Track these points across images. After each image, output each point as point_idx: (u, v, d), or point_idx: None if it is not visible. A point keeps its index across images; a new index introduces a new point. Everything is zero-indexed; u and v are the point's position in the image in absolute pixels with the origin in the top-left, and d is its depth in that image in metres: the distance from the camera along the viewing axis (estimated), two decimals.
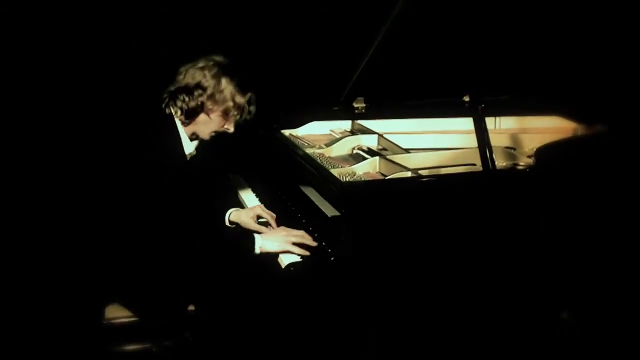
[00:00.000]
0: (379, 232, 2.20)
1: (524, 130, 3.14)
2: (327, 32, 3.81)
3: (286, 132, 3.10)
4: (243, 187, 3.03)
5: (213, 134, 2.45)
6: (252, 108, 2.46)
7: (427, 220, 2.26)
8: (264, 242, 2.35)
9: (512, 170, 2.67)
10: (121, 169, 2.35)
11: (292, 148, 2.82)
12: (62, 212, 3.52)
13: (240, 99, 2.39)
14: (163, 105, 2.40)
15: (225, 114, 2.40)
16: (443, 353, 2.40)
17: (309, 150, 2.83)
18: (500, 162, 2.72)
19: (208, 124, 2.41)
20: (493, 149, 2.33)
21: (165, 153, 2.36)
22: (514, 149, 2.94)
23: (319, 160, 2.70)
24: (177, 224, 2.32)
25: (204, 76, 2.35)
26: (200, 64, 2.38)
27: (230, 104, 2.38)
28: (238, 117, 2.44)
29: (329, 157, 2.85)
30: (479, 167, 2.39)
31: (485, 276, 2.33)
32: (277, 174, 2.87)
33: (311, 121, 3.19)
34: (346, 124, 3.25)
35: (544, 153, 2.58)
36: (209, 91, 2.35)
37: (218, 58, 2.41)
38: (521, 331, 2.50)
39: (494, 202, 2.32)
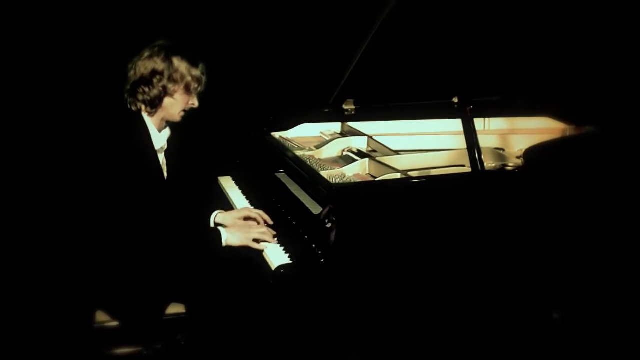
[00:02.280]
0: (368, 233, 2.20)
1: (513, 131, 3.16)
2: (317, 35, 3.81)
3: (276, 134, 3.11)
4: (232, 189, 3.03)
5: (182, 113, 2.51)
6: (205, 77, 2.51)
7: (417, 222, 2.27)
8: (229, 236, 2.41)
9: (501, 171, 2.68)
10: (99, 173, 2.36)
11: (282, 150, 2.82)
12: (46, 215, 3.52)
13: (196, 72, 2.46)
14: (128, 105, 2.45)
15: (187, 89, 2.46)
16: (435, 355, 2.41)
17: (299, 153, 2.83)
18: (490, 163, 2.74)
19: (175, 106, 2.47)
20: (482, 150, 2.35)
21: (137, 152, 2.41)
22: (503, 149, 2.96)
23: (308, 162, 2.70)
24: (153, 221, 2.36)
25: (155, 63, 2.41)
26: (146, 54, 2.43)
27: (189, 78, 2.44)
28: (199, 89, 2.50)
29: (319, 159, 2.85)
30: (468, 168, 2.40)
31: (475, 276, 2.34)
32: (267, 176, 2.87)
33: (301, 123, 3.19)
34: (336, 126, 3.26)
35: (533, 154, 2.60)
36: (166, 74, 2.41)
37: (160, 42, 2.46)
38: (512, 330, 2.52)
39: (483, 203, 2.33)
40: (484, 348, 2.48)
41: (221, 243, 2.40)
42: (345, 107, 3.18)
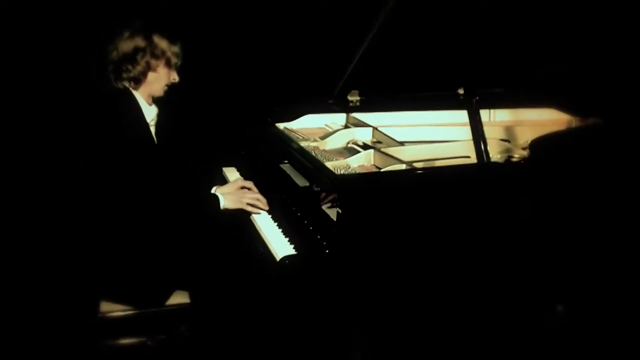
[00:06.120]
0: (373, 224, 2.20)
1: (519, 123, 3.14)
2: (322, 26, 3.80)
3: (281, 125, 3.10)
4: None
5: (165, 87, 2.65)
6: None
7: (421, 213, 2.26)
8: (226, 201, 2.57)
9: (506, 162, 2.67)
10: (99, 153, 2.44)
11: (286, 141, 2.82)
12: (47, 206, 3.52)
13: (175, 48, 2.61)
14: (115, 84, 2.55)
15: (168, 64, 2.60)
16: (440, 352, 2.41)
17: (303, 144, 2.83)
18: (495, 155, 2.73)
19: (158, 80, 2.60)
20: (487, 141, 2.33)
21: (133, 126, 2.52)
22: (509, 141, 2.95)
23: (313, 153, 2.70)
24: (152, 193, 2.45)
25: (137, 41, 2.53)
26: (127, 34, 2.54)
27: (169, 53, 2.59)
28: (178, 63, 2.63)
29: (324, 150, 2.84)
30: (473, 159, 2.39)
31: (480, 269, 2.34)
32: (271, 167, 2.87)
33: (306, 114, 3.19)
34: (341, 117, 3.24)
35: (539, 145, 2.59)
36: (148, 50, 2.53)
37: (138, 22, 2.57)
38: (517, 326, 2.51)
39: (488, 194, 2.32)
40: (490, 338, 2.47)
41: (219, 207, 2.54)
42: (350, 98, 3.18)
